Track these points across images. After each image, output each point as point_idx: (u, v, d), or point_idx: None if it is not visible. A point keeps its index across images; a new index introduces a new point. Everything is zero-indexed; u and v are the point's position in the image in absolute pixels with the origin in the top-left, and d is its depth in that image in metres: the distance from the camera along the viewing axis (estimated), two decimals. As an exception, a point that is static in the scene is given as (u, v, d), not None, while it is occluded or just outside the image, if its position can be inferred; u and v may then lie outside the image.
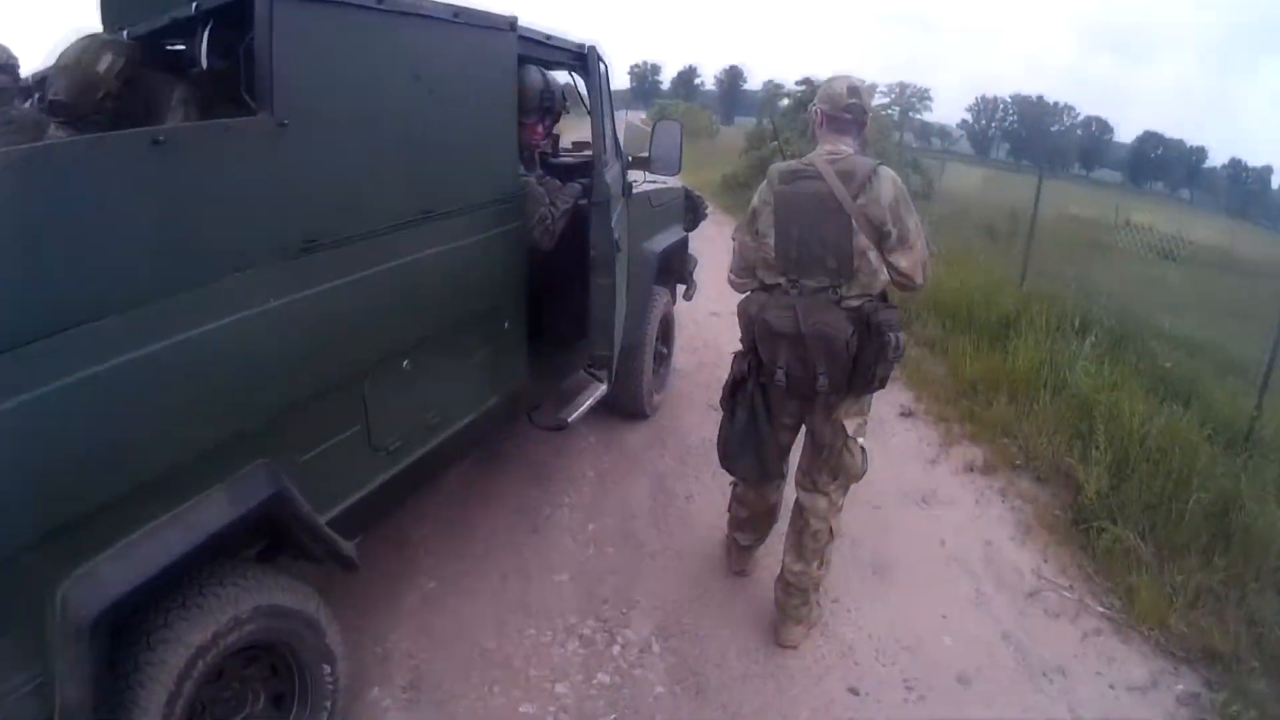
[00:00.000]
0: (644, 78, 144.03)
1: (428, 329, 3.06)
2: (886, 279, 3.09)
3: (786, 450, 3.55)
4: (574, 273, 4.01)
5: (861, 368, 3.08)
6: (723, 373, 6.59)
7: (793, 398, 3.28)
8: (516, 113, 3.56)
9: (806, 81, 19.06)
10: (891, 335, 3.03)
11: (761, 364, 3.23)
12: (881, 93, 17.82)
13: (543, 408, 4.36)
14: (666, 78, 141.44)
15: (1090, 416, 5.36)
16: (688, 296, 6.10)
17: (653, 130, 5.03)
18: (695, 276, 6.10)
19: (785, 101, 20.32)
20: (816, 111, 3.21)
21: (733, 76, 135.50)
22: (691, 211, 6.16)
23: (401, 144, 2.82)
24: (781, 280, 3.15)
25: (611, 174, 4.01)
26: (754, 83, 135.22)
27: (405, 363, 2.94)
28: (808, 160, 3.12)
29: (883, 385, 3.18)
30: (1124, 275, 9.18)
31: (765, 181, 3.24)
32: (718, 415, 5.75)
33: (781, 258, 3.12)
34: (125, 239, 1.95)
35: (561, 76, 4.33)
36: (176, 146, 2.04)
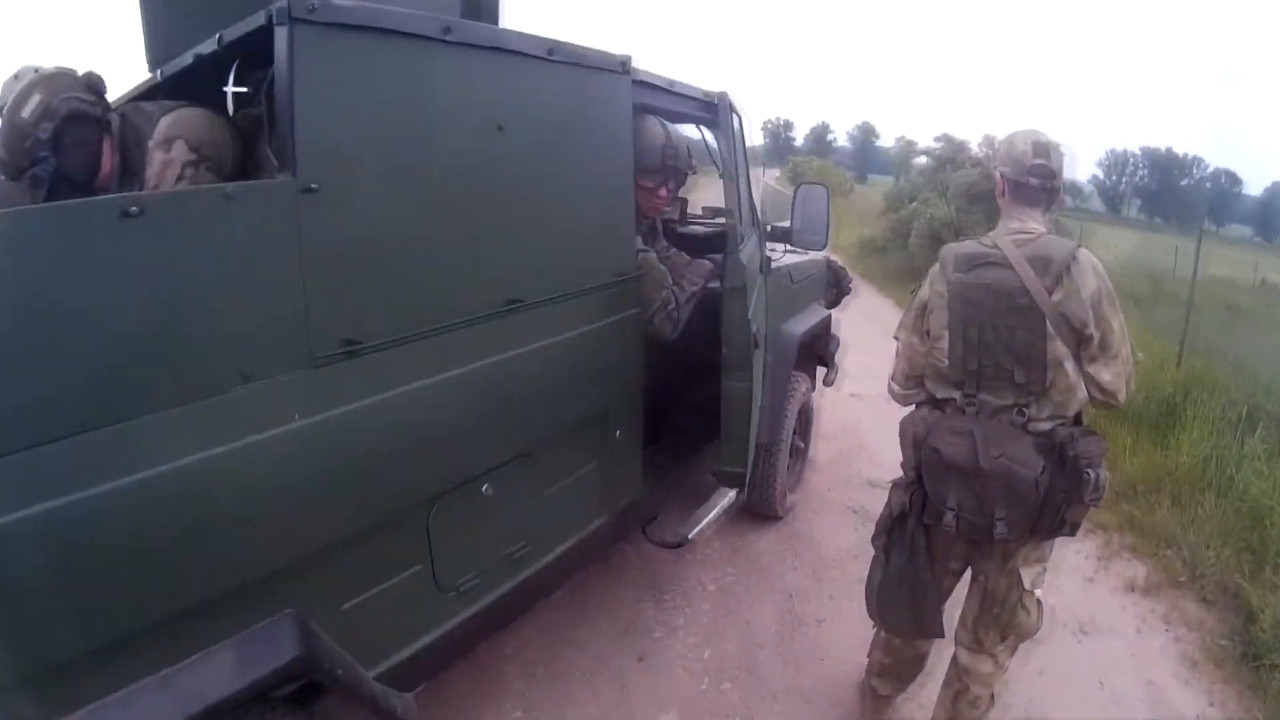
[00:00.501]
0: (777, 134, 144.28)
1: (517, 446, 2.53)
2: (1084, 397, 2.55)
3: (947, 598, 2.94)
4: (701, 363, 3.43)
5: (1049, 509, 2.49)
6: (865, 465, 6.19)
7: (962, 541, 2.71)
8: (633, 173, 3.01)
9: (945, 139, 18.25)
10: (1091, 473, 2.45)
11: (926, 499, 2.65)
12: None
13: (660, 519, 3.75)
14: (799, 134, 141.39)
15: (1262, 526, 4.72)
16: (828, 382, 5.41)
17: (795, 196, 4.35)
18: (837, 357, 5.40)
19: (923, 159, 19.47)
20: (998, 177, 2.68)
21: (865, 133, 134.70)
22: (834, 286, 5.47)
23: (480, 216, 2.29)
24: (956, 395, 2.62)
25: (749, 250, 3.42)
26: (886, 139, 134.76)
27: (485, 487, 2.42)
28: (990, 241, 2.60)
29: (1073, 532, 2.60)
30: (1273, 345, 8.47)
31: (937, 266, 2.69)
32: (856, 518, 5.31)
33: (957, 367, 2.59)
34: (88, 341, 1.49)
35: (686, 131, 3.77)
36: (155, 219, 1.56)
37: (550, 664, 3.53)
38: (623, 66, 2.87)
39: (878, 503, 5.27)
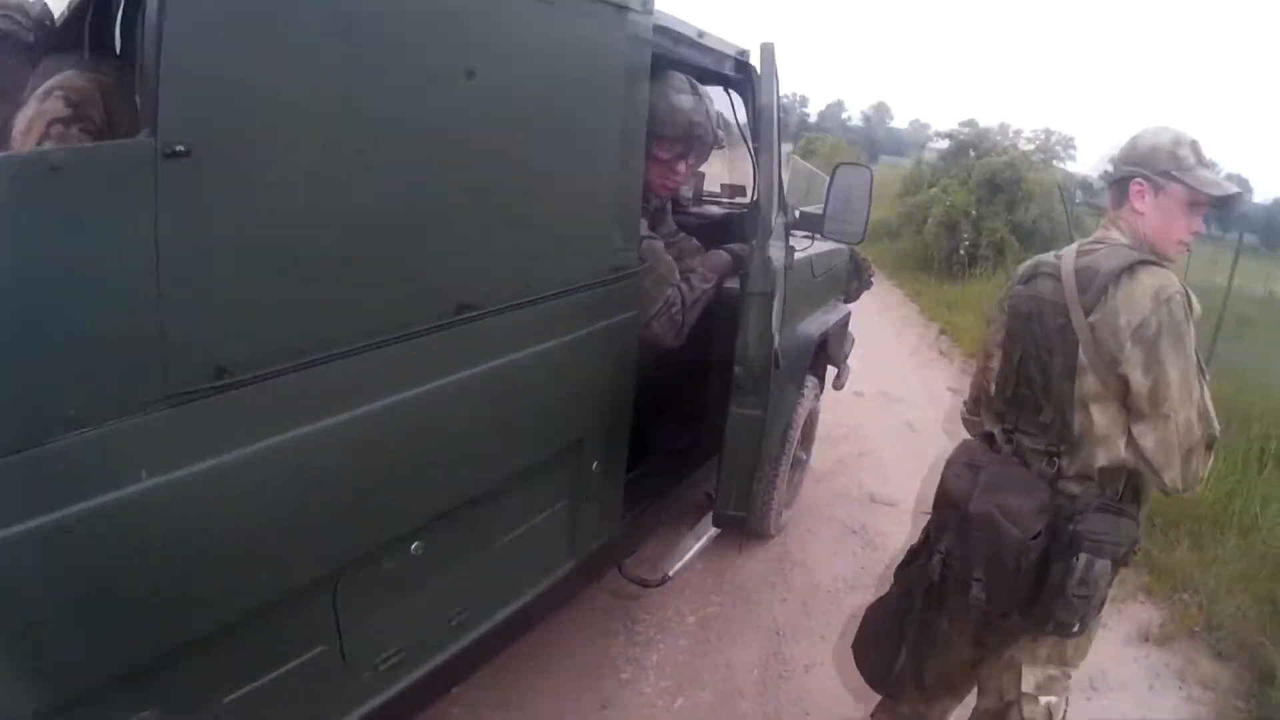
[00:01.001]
0: (791, 109, 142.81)
1: (461, 493, 1.99)
2: (1120, 456, 2.02)
3: (942, 680, 2.52)
4: (698, 367, 2.96)
5: (1045, 592, 2.02)
6: (867, 476, 5.66)
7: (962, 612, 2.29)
8: (645, 142, 2.42)
9: (970, 124, 17.68)
10: (1081, 559, 1.96)
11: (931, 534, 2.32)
12: (1026, 139, 16.73)
13: (638, 553, 3.27)
14: (814, 110, 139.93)
15: None
16: (838, 385, 4.93)
17: (832, 179, 3.69)
18: (849, 357, 4.94)
19: (944, 144, 18.92)
20: (1148, 182, 2.08)
21: (880, 113, 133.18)
22: (855, 278, 4.96)
23: (430, 193, 1.70)
24: (998, 430, 2.26)
25: (777, 247, 2.87)
26: (899, 120, 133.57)
27: (415, 546, 1.89)
28: (1068, 249, 2.18)
29: (1061, 632, 2.08)
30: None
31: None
32: (856, 540, 4.77)
33: (998, 393, 2.26)
34: None
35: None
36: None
37: (502, 709, 3.06)
38: (644, 3, 2.27)
39: (880, 522, 4.94)
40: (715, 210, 4.29)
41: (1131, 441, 1.98)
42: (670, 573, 3.19)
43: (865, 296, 5.22)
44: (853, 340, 4.95)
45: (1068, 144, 18.66)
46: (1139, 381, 1.92)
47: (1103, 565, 1.96)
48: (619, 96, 2.24)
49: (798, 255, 3.61)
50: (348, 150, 1.54)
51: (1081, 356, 2.00)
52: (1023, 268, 2.28)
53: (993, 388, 2.27)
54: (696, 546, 3.35)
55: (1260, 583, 4.30)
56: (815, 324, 4.10)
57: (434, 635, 2.09)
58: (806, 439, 4.67)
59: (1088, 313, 1.98)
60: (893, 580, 2.50)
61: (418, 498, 1.86)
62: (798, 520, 4.75)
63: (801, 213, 3.78)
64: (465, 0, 1.72)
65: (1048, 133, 18.30)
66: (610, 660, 3.41)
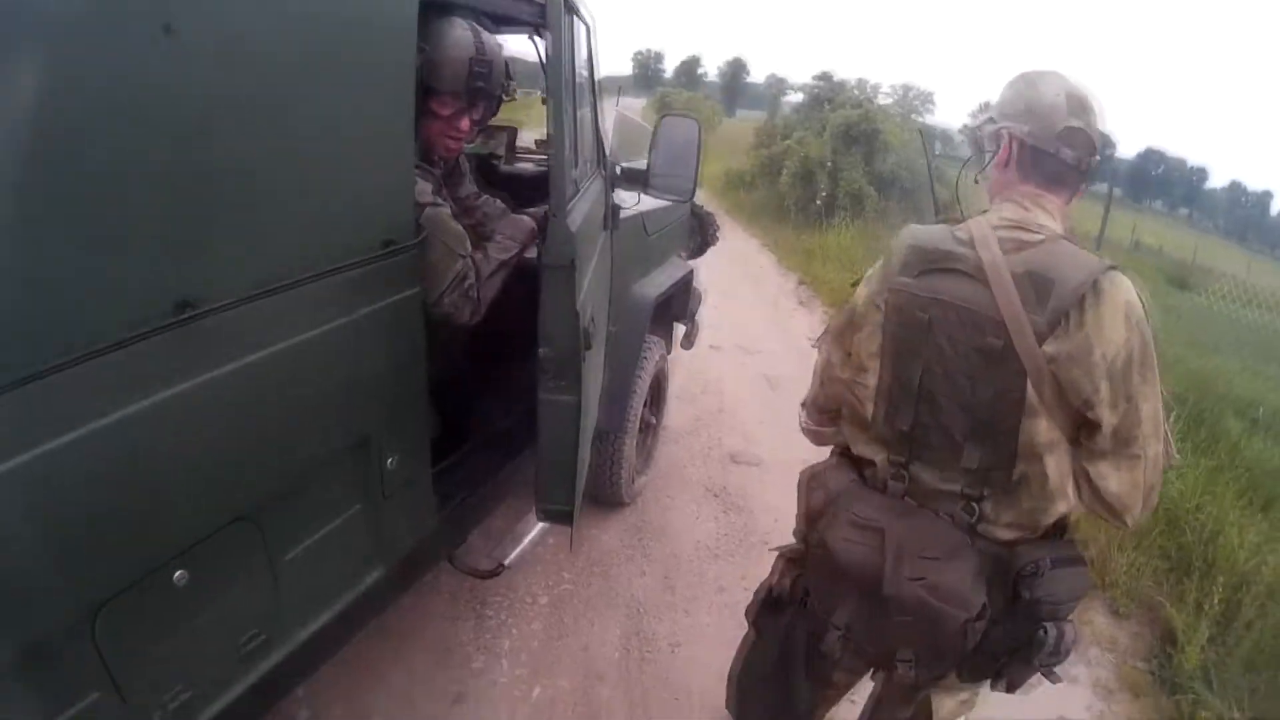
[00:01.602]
0: (646, 65, 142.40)
1: (221, 511, 1.67)
2: (1069, 505, 1.70)
3: (826, 711, 2.27)
4: (516, 336, 2.62)
5: (983, 656, 1.75)
6: (726, 434, 5.49)
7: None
8: (415, 94, 2.05)
9: (825, 77, 17.76)
10: (1051, 630, 1.68)
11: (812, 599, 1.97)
12: (885, 94, 16.73)
13: (470, 542, 2.99)
14: (669, 66, 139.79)
15: (1179, 531, 4.28)
16: (688, 344, 4.72)
17: (655, 130, 3.41)
18: (698, 314, 4.72)
19: (798, 96, 19.03)
20: (1004, 136, 1.75)
21: (736, 68, 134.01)
22: (699, 233, 4.75)
23: (129, 168, 1.34)
24: (879, 458, 1.83)
25: (587, 205, 2.60)
26: (756, 75, 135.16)
27: (178, 575, 1.57)
28: (968, 232, 1.70)
29: (1010, 691, 1.82)
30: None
31: (882, 260, 1.84)
32: (718, 504, 4.62)
33: (883, 420, 1.79)
34: None
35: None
36: None
37: (349, 704, 2.81)
38: None
39: (743, 483, 4.76)
40: (530, 168, 3.99)
41: (1087, 483, 1.66)
42: (506, 561, 2.93)
43: (721, 247, 5.03)
44: (700, 297, 4.74)
45: (926, 99, 19.00)
46: (1106, 419, 1.58)
47: (1070, 629, 1.71)
48: (375, 43, 1.89)
49: (625, 213, 3.38)
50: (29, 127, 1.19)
51: (1031, 395, 1.58)
52: (905, 250, 1.76)
53: (869, 409, 1.81)
54: (534, 532, 3.08)
55: (1152, 537, 4.29)
56: (653, 285, 3.87)
57: (225, 665, 1.79)
58: (656, 402, 4.44)
59: (1042, 337, 1.55)
60: (752, 624, 2.23)
61: (165, 525, 1.54)
62: (655, 485, 4.56)
63: (624, 168, 3.47)
64: None
65: (906, 88, 18.61)
66: (461, 648, 3.17)
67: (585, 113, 2.87)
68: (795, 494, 2.02)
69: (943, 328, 1.66)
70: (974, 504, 1.70)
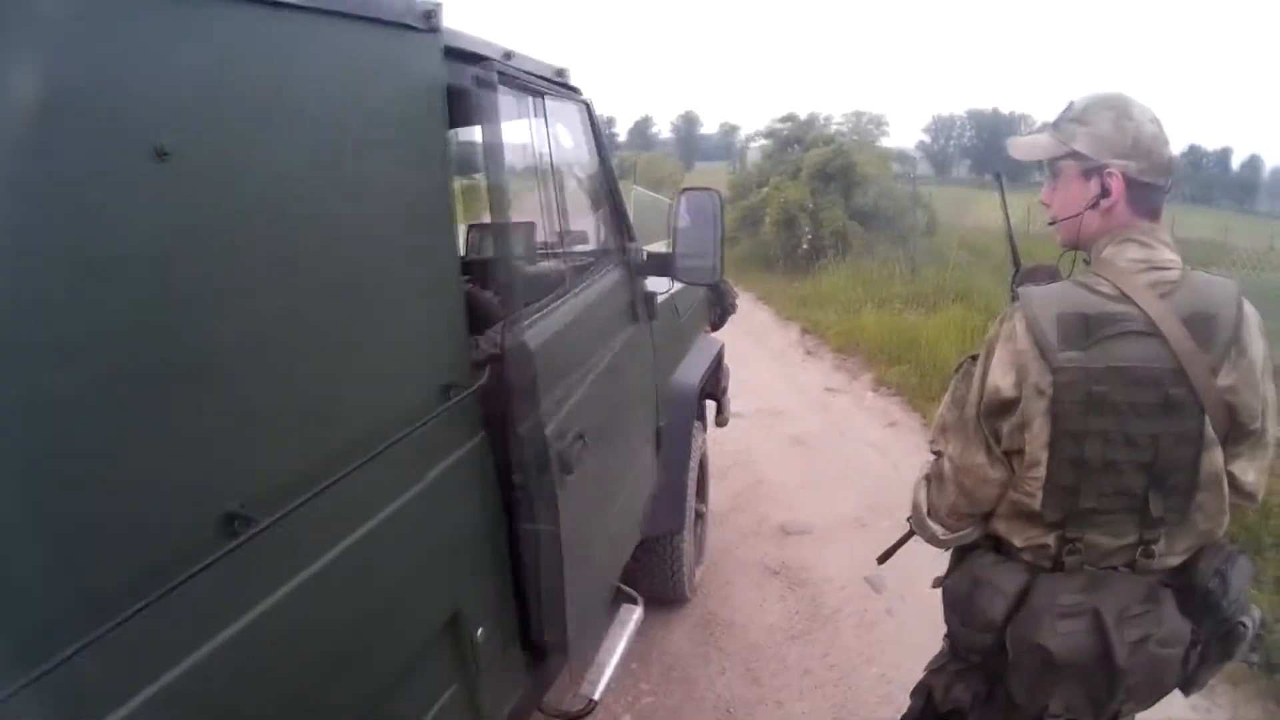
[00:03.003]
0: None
1: None
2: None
3: None
4: None
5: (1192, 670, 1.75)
6: (771, 508, 5.54)
7: None
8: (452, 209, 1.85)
9: (790, 118, 17.84)
10: (1247, 624, 1.70)
11: (995, 694, 1.83)
12: (837, 123, 16.77)
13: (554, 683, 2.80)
14: (621, 130, 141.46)
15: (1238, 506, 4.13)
16: (722, 421, 4.57)
17: (675, 207, 3.17)
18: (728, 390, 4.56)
19: (763, 143, 19.08)
20: (1111, 178, 1.64)
21: (688, 122, 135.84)
22: (717, 305, 4.54)
23: (143, 343, 1.04)
24: (1048, 540, 1.70)
25: (575, 308, 2.40)
26: (709, 126, 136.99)
27: None
28: (1111, 285, 1.60)
29: (1190, 692, 1.82)
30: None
31: (1022, 331, 1.63)
32: (780, 582, 4.51)
33: (1060, 503, 1.64)
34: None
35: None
36: None
37: None
38: (426, 20, 1.69)
39: (800, 555, 4.61)
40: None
41: (1232, 481, 1.66)
42: (596, 695, 2.72)
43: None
44: (728, 371, 4.56)
45: (879, 122, 18.99)
46: (1269, 427, 1.64)
47: (1258, 614, 1.76)
48: (415, 150, 1.69)
49: (661, 298, 3.26)
50: None
51: (1208, 429, 1.56)
52: (1055, 321, 1.59)
53: (1039, 499, 1.65)
54: (619, 652, 2.90)
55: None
56: (692, 370, 3.74)
57: None
58: (703, 488, 4.29)
59: (1215, 372, 1.55)
60: None
61: None
62: (712, 574, 4.39)
63: (650, 254, 3.22)
64: (157, 28, 1.07)
65: (858, 115, 18.57)
66: (554, 795, 2.97)
67: (583, 195, 2.79)
68: (941, 609, 1.89)
69: (1123, 394, 1.56)
70: (1151, 546, 1.66)
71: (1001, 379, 1.65)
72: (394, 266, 1.61)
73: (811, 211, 14.13)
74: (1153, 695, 1.72)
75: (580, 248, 3.12)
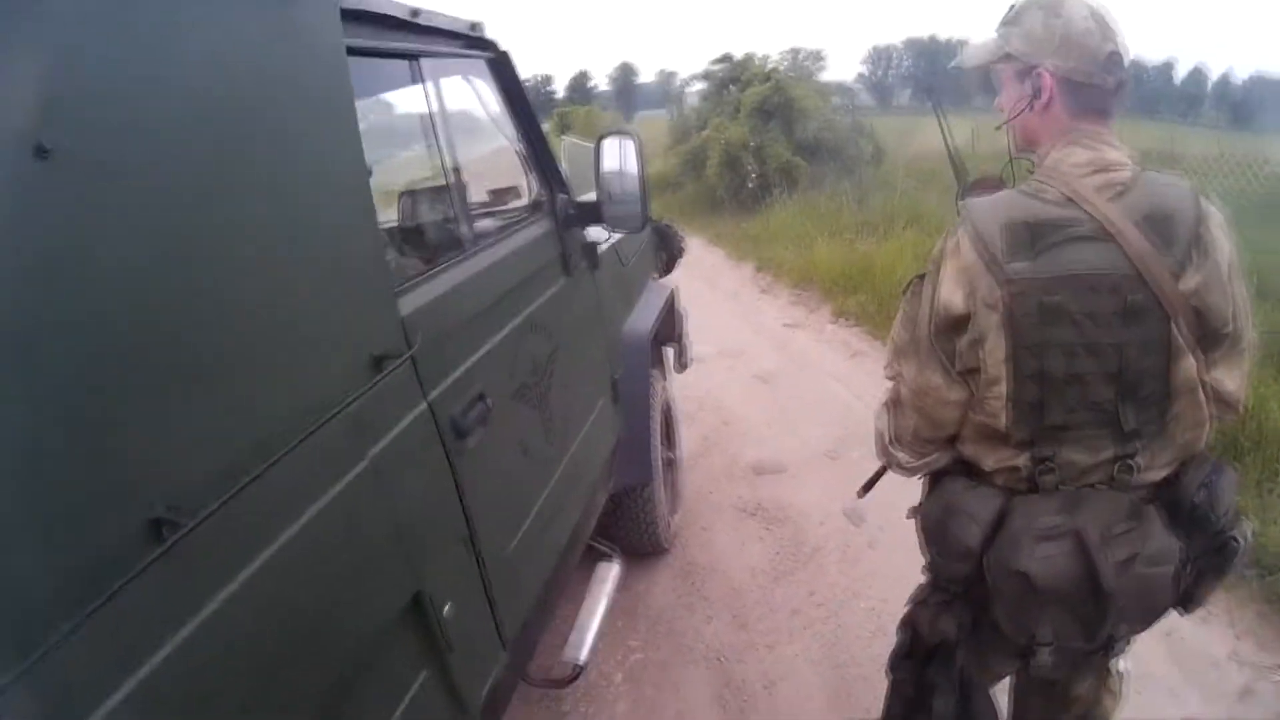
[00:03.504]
0: (537, 90, 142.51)
1: None
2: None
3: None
4: None
5: (1186, 588, 1.66)
6: (740, 447, 5.47)
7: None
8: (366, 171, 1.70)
9: (725, 59, 17.57)
10: (1239, 540, 1.62)
11: (976, 615, 1.76)
12: (774, 61, 16.38)
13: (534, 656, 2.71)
14: (559, 86, 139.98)
15: None
16: (683, 366, 4.47)
17: (596, 155, 3.01)
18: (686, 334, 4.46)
19: (700, 86, 18.85)
20: (1042, 76, 1.56)
21: (625, 73, 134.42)
22: (664, 249, 4.47)
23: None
24: (1020, 461, 1.61)
25: (476, 268, 2.23)
26: (646, 75, 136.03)
27: None
28: (1057, 190, 1.53)
29: (1190, 610, 1.73)
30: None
31: (966, 245, 1.55)
32: (757, 523, 4.47)
33: (1028, 421, 1.56)
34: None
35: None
36: None
37: None
38: None
39: (775, 494, 4.54)
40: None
41: (1213, 390, 1.58)
42: (581, 659, 2.64)
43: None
44: (683, 316, 4.44)
45: (816, 57, 18.75)
46: (1239, 328, 1.56)
47: (1250, 527, 1.68)
48: (314, 114, 1.54)
49: (602, 248, 3.19)
50: None
51: (1175, 336, 1.48)
52: (1002, 232, 1.51)
53: (1004, 419, 1.57)
54: (600, 611, 2.82)
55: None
56: (642, 318, 3.63)
57: None
58: (671, 435, 4.20)
59: (1178, 276, 1.46)
60: (909, 681, 1.96)
61: None
62: (689, 520, 4.33)
63: (578, 205, 3.04)
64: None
65: (794, 51, 18.33)
66: (553, 759, 2.92)
67: (501, 151, 2.72)
68: (914, 534, 1.83)
69: (1078, 303, 1.48)
70: (1128, 462, 1.57)
71: (951, 295, 1.57)
72: (306, 238, 1.47)
73: (754, 149, 14.01)
74: (1147, 617, 1.65)
75: (499, 207, 3.02)
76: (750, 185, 13.94)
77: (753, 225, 12.41)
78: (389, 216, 2.87)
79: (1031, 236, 1.49)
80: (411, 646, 1.73)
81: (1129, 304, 1.46)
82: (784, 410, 5.61)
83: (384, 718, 1.62)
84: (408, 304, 1.77)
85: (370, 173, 1.75)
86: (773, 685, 3.14)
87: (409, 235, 2.34)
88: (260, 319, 1.31)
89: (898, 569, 3.33)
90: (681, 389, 5.31)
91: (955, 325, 1.58)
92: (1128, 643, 1.79)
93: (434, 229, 2.71)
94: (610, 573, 2.96)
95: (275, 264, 1.37)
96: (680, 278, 4.47)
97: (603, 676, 3.26)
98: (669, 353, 4.34)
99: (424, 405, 1.77)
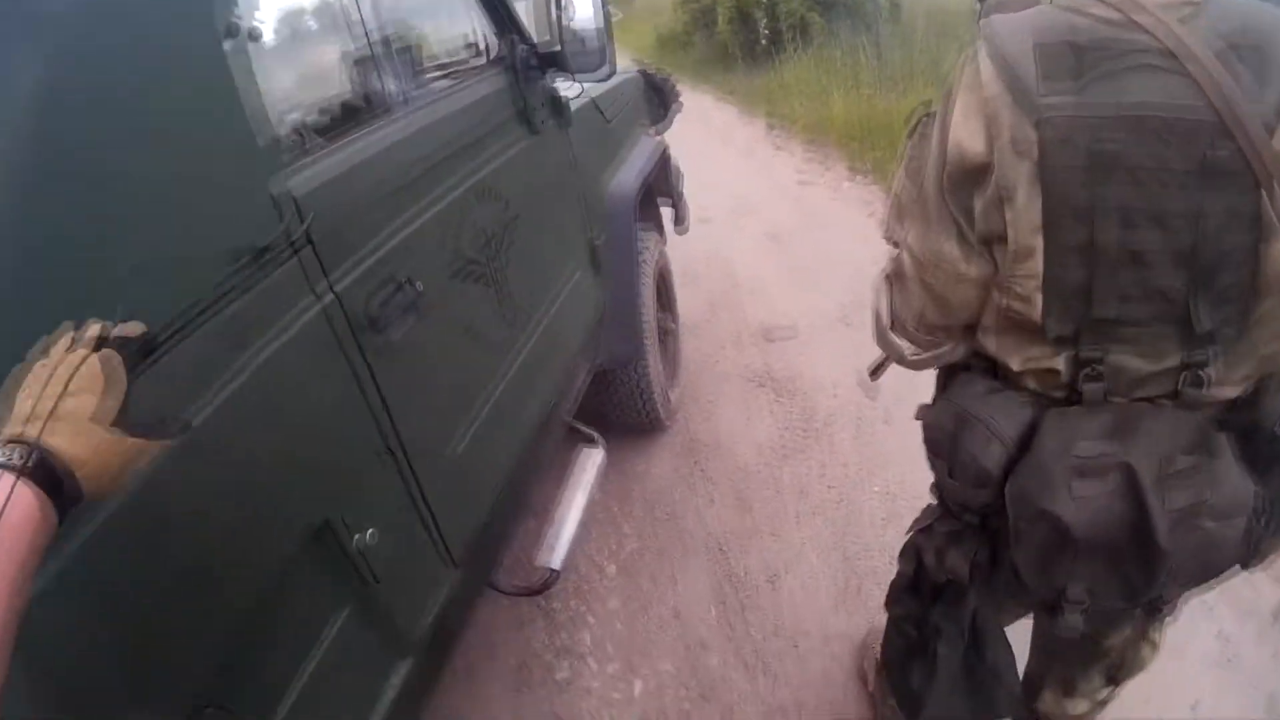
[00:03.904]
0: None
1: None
2: None
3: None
4: None
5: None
6: (751, 310, 4.90)
7: None
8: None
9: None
10: None
11: (996, 554, 1.39)
12: None
13: (504, 562, 2.42)
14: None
15: None
16: (682, 228, 4.07)
17: None
18: (684, 192, 4.05)
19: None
20: None
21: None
22: (658, 100, 4.06)
23: None
24: (1059, 363, 1.23)
25: (392, 135, 1.86)
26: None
27: None
28: (1109, 2, 1.09)
29: (1253, 567, 1.32)
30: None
31: (990, 75, 1.13)
32: (767, 393, 4.09)
33: (1064, 307, 1.17)
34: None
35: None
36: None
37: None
38: None
39: (785, 360, 4.17)
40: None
41: None
42: (556, 564, 2.33)
43: (686, 112, 4.37)
44: (680, 172, 4.05)
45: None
46: None
47: None
48: None
49: (578, 103, 2.81)
50: None
51: (1268, 209, 1.06)
52: (1034, 53, 1.10)
53: (1038, 304, 1.18)
54: (578, 504, 2.49)
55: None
56: (628, 173, 3.23)
57: None
58: (668, 300, 3.85)
59: (1271, 130, 1.03)
60: (909, 619, 1.72)
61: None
62: (692, 392, 3.99)
63: (539, 51, 2.62)
64: None
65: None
66: (538, 659, 2.67)
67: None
68: (921, 444, 1.47)
69: (1142, 152, 1.07)
70: (1199, 372, 1.17)
71: (966, 135, 1.16)
72: (129, 119, 1.13)
73: (767, 4, 13.28)
74: (1204, 576, 1.28)
75: (446, 62, 2.58)
76: (763, 42, 13.27)
77: (766, 81, 11.78)
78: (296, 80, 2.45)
79: (1077, 60, 1.08)
80: (325, 584, 1.46)
81: (1207, 160, 1.05)
82: (796, 270, 5.21)
83: (298, 666, 1.38)
84: (300, 184, 1.42)
85: (253, 34, 1.42)
86: (776, 578, 2.85)
87: (315, 105, 1.95)
88: (120, 210, 1.09)
89: (914, 448, 2.99)
90: (688, 247, 4.90)
91: (972, 175, 1.18)
92: (1174, 605, 1.46)
93: (348, 95, 2.26)
94: (592, 460, 2.63)
95: (129, 151, 1.11)
96: (689, 136, 4.06)
97: (594, 568, 2.99)
98: (666, 214, 3.96)
99: (324, 299, 1.44)
